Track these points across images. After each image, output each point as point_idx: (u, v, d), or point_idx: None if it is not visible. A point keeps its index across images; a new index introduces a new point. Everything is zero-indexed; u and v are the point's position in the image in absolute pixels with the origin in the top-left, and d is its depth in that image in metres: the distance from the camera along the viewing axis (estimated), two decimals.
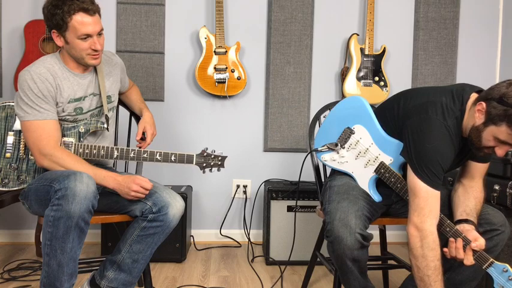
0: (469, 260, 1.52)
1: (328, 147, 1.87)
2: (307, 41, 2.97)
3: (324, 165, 2.02)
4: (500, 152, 1.50)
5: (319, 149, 1.90)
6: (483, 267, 1.52)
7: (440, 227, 1.57)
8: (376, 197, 1.75)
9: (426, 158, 1.53)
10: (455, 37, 3.05)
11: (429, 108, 1.56)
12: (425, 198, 1.52)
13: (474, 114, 1.52)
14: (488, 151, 1.54)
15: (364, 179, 1.78)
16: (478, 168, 1.70)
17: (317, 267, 2.41)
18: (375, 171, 1.75)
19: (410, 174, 1.57)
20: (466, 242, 1.52)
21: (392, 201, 1.85)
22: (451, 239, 1.55)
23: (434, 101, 1.57)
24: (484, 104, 1.48)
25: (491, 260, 1.51)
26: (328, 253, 1.69)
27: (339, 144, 1.85)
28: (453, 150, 1.57)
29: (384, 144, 1.75)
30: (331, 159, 1.87)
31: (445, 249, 1.56)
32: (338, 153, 1.85)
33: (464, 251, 1.52)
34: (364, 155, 1.79)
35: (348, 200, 1.65)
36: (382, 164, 1.73)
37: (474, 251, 1.52)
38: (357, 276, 1.64)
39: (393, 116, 1.71)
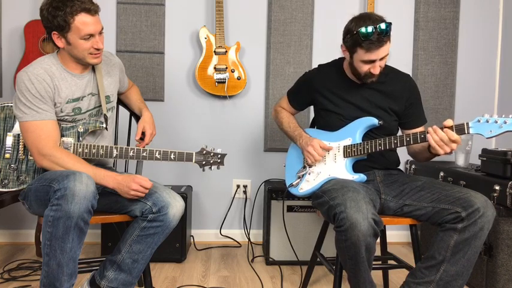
0: (453, 135, 1.62)
1: (299, 176, 1.96)
2: (307, 41, 2.97)
3: None
4: (374, 70, 1.81)
5: (293, 183, 1.98)
6: (466, 132, 1.61)
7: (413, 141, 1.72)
8: (359, 177, 1.83)
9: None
10: (455, 37, 3.04)
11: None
12: None
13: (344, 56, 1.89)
14: (371, 77, 1.84)
15: (342, 170, 1.87)
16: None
17: (317, 267, 2.41)
18: (344, 156, 1.87)
19: None
20: (436, 129, 1.65)
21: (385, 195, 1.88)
22: (429, 132, 1.66)
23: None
24: (342, 45, 1.87)
25: (466, 122, 1.61)
26: (337, 247, 1.68)
27: (307, 166, 1.96)
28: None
29: (336, 137, 1.92)
30: (308, 182, 1.94)
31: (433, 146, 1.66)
32: (310, 174, 1.94)
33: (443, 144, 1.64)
34: (329, 153, 1.92)
35: (350, 191, 1.67)
36: (345, 147, 1.88)
37: (451, 128, 1.63)
38: (366, 268, 1.64)
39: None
